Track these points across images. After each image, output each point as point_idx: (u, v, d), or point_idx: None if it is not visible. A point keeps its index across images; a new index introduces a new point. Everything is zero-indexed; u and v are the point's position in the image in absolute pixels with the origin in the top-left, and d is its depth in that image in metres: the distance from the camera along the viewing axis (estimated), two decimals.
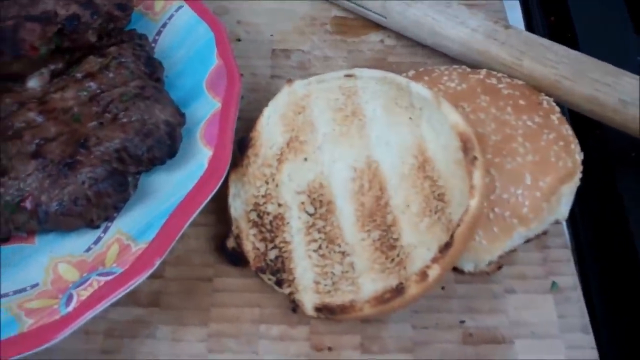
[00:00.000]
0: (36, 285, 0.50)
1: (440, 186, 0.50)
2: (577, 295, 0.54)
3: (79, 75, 0.58)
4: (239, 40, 0.70)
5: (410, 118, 0.53)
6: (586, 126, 0.63)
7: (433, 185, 0.51)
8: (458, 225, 0.48)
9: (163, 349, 0.50)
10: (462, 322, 0.52)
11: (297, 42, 0.70)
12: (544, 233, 0.56)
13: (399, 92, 0.54)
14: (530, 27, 0.78)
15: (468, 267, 0.54)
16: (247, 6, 0.73)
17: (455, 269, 0.54)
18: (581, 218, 0.62)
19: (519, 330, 0.52)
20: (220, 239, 0.55)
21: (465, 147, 0.50)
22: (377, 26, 0.72)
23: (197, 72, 0.60)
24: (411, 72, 0.62)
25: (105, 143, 0.52)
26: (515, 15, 0.78)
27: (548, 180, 0.54)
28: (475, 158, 0.49)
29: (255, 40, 0.70)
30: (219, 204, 0.56)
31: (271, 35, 0.71)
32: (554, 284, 0.54)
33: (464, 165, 0.49)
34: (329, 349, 0.51)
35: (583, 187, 0.59)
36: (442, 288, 0.54)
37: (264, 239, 0.53)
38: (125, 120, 0.53)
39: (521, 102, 0.57)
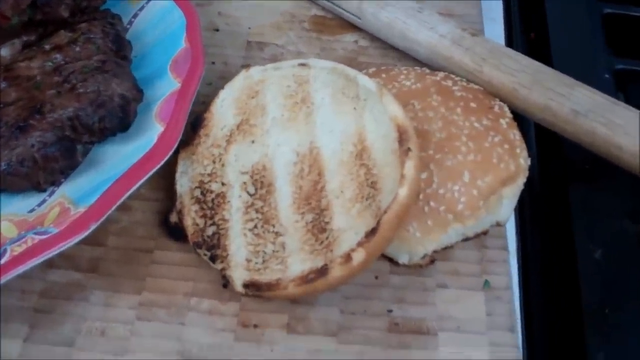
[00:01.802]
0: None
1: (374, 174, 0.51)
2: (508, 295, 0.54)
3: (47, 47, 0.60)
4: (216, 30, 0.72)
5: (354, 108, 0.55)
6: (547, 135, 0.64)
7: (368, 173, 0.52)
8: (385, 212, 0.49)
9: (94, 313, 0.52)
10: (390, 311, 0.53)
11: (273, 37, 0.72)
12: (484, 233, 0.56)
13: (347, 83, 0.56)
14: (510, 42, 0.79)
15: (402, 258, 0.54)
16: None
17: (390, 260, 0.55)
18: (530, 223, 0.62)
19: (445, 323, 0.52)
20: (166, 214, 0.57)
21: (401, 138, 0.51)
22: (354, 27, 0.73)
23: (164, 54, 0.62)
24: (371, 69, 0.63)
25: (59, 110, 0.54)
26: (497, 29, 0.79)
27: (487, 180, 0.54)
28: (409, 149, 0.50)
29: (233, 31, 0.72)
30: (169, 181, 0.57)
31: (249, 28, 0.73)
32: (486, 282, 0.55)
33: (398, 155, 0.50)
34: (255, 326, 0.52)
35: (535, 194, 0.60)
36: (376, 277, 0.55)
37: (204, 216, 0.54)
38: (81, 90, 0.55)
39: (472, 104, 0.58)
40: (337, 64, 0.57)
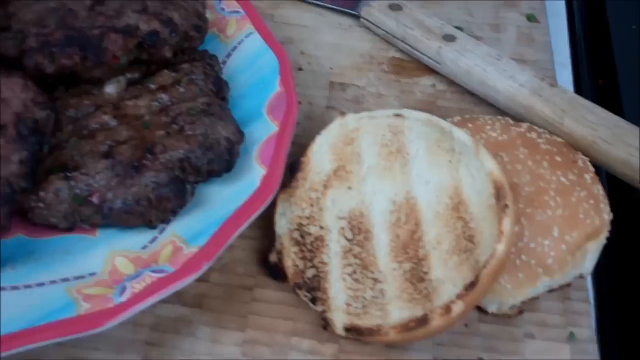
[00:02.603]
0: (94, 274, 0.54)
1: (471, 228, 0.54)
2: (593, 348, 0.56)
3: (152, 86, 0.63)
4: (300, 69, 0.75)
5: (450, 161, 0.57)
6: (621, 187, 0.66)
7: (465, 226, 0.54)
8: (484, 266, 0.51)
9: (201, 348, 0.55)
10: (480, 359, 0.55)
11: (354, 77, 0.75)
12: (568, 285, 0.59)
13: (442, 136, 0.58)
14: (578, 87, 0.81)
15: (492, 307, 0.57)
16: (310, 39, 0.78)
17: (479, 309, 0.58)
18: (606, 274, 0.65)
19: None
20: (264, 252, 0.60)
21: (498, 195, 0.54)
22: (430, 70, 0.76)
23: (259, 96, 0.65)
24: (456, 118, 0.66)
25: (170, 151, 0.57)
26: (565, 74, 0.82)
27: (575, 235, 0.57)
28: (506, 206, 0.53)
29: (315, 71, 0.75)
30: (266, 221, 0.60)
31: (330, 68, 0.76)
32: (571, 334, 0.57)
33: (495, 211, 0.53)
34: None
35: (612, 245, 0.62)
36: (465, 325, 0.57)
37: (303, 258, 0.57)
38: (190, 132, 0.58)
39: (557, 158, 0.61)
40: (432, 116, 0.59)
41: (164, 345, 0.55)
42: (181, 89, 0.62)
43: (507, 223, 0.52)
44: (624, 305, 0.63)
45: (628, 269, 0.65)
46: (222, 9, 0.72)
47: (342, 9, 0.81)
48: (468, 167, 0.56)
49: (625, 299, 0.63)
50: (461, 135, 0.57)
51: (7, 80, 0.59)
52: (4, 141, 0.55)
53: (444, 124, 0.59)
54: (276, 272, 0.58)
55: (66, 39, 0.61)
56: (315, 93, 0.73)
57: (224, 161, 0.58)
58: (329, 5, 0.81)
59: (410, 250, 0.55)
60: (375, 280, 0.55)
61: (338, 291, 0.55)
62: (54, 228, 0.57)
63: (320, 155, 0.61)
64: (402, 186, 0.58)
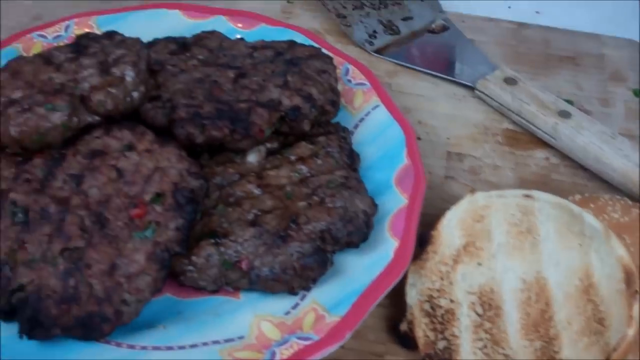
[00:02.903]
0: (242, 337, 0.58)
1: (601, 311, 0.57)
2: None
3: (292, 157, 0.67)
4: (419, 139, 0.79)
5: (580, 244, 0.60)
6: None
7: (595, 309, 0.57)
8: (614, 349, 0.54)
9: None
10: None
11: (470, 148, 0.79)
12: None
13: (571, 219, 0.61)
14: None
15: None
16: (427, 108, 0.82)
17: None
18: None
19: None
20: (393, 320, 0.63)
21: (629, 280, 0.56)
22: (544, 143, 0.79)
23: (387, 168, 0.69)
24: (577, 196, 0.68)
25: (313, 223, 0.61)
26: None
27: None
28: (636, 292, 0.56)
29: (433, 141, 0.79)
30: (395, 290, 0.63)
31: (447, 138, 0.79)
32: None
33: (625, 296, 0.56)
34: None
35: None
36: None
37: (434, 329, 0.60)
38: (330, 205, 0.62)
39: None
40: (562, 200, 0.62)
41: None
42: (319, 161, 0.67)
43: (637, 309, 0.55)
44: None
45: None
46: (349, 81, 0.77)
47: (458, 79, 0.84)
48: (598, 252, 0.59)
49: None
50: (591, 220, 0.60)
51: (163, 150, 0.64)
52: (162, 209, 0.60)
53: (574, 208, 0.62)
54: (407, 341, 0.61)
55: (216, 111, 0.66)
56: (434, 163, 0.77)
57: (362, 233, 0.62)
58: (444, 76, 0.85)
59: (541, 329, 0.58)
60: (506, 356, 0.58)
61: None
62: (201, 290, 0.61)
63: (450, 229, 0.65)
64: (533, 266, 0.61)
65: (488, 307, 0.60)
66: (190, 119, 0.66)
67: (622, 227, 0.64)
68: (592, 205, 0.67)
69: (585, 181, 0.76)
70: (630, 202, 0.68)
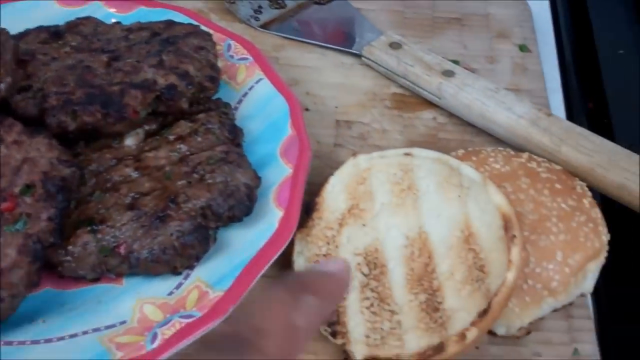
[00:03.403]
0: (124, 322, 0.57)
1: (482, 258, 0.57)
2: None
3: (171, 137, 0.66)
4: (307, 109, 0.78)
5: (459, 196, 0.61)
6: (618, 209, 0.69)
7: (476, 257, 0.58)
8: (495, 294, 0.55)
9: None
10: None
11: (358, 115, 0.79)
12: (570, 304, 0.62)
13: (450, 172, 0.62)
14: (570, 111, 0.85)
15: (501, 330, 0.60)
16: (315, 79, 0.82)
17: (489, 332, 0.61)
18: (605, 292, 0.68)
19: None
20: None
21: (506, 226, 0.57)
22: (431, 104, 0.79)
23: (271, 140, 0.68)
24: (460, 151, 0.69)
25: (192, 200, 0.60)
26: (557, 99, 0.85)
27: (577, 258, 0.60)
28: (514, 236, 0.56)
29: (321, 111, 0.79)
30: (283, 259, 0.63)
31: (336, 107, 0.79)
32: (575, 350, 0.60)
33: (504, 241, 0.57)
34: None
35: (609, 264, 0.65)
36: (477, 348, 0.60)
37: None
38: (210, 181, 0.62)
39: (557, 185, 0.64)
40: (441, 154, 0.63)
41: None
42: (199, 139, 0.66)
43: (515, 252, 0.56)
44: (624, 320, 0.66)
45: (626, 285, 0.69)
46: (231, 57, 0.76)
47: (344, 48, 0.84)
48: (477, 201, 0.60)
49: (625, 313, 0.67)
50: (469, 171, 0.61)
51: (32, 140, 0.62)
52: (33, 200, 0.58)
53: (453, 161, 0.62)
54: None
55: (87, 96, 0.64)
56: (323, 132, 0.77)
57: (244, 206, 0.61)
58: (331, 46, 0.85)
59: (425, 282, 0.58)
60: (393, 312, 0.58)
61: (357, 324, 0.58)
62: (81, 279, 0.60)
63: (334, 194, 0.64)
64: (415, 221, 0.61)
65: (374, 266, 0.60)
66: (61, 106, 0.64)
67: (504, 176, 0.65)
68: (474, 158, 0.67)
69: (472, 137, 0.77)
70: (512, 152, 0.69)
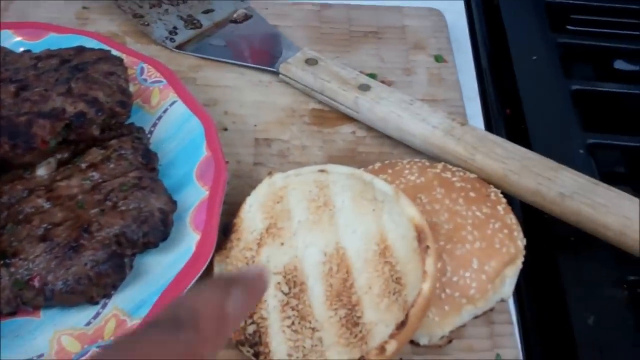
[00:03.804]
0: (41, 355, 0.56)
1: (398, 270, 0.58)
2: None
3: (83, 165, 0.65)
4: (225, 129, 0.78)
5: (373, 210, 0.61)
6: (535, 213, 0.71)
7: (392, 269, 0.58)
8: (412, 305, 0.55)
9: None
10: None
11: (278, 132, 0.79)
12: (491, 310, 0.63)
13: (364, 187, 0.62)
14: (487, 118, 0.87)
15: (423, 340, 0.61)
16: (234, 98, 0.82)
17: (411, 342, 0.61)
18: (526, 295, 0.69)
19: None
20: None
21: (420, 237, 0.58)
22: (350, 119, 0.80)
23: (187, 163, 0.68)
24: (377, 165, 0.70)
25: (106, 229, 0.59)
26: (475, 107, 0.87)
27: (493, 265, 0.61)
28: (428, 247, 0.57)
29: (240, 130, 0.79)
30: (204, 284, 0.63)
31: (255, 125, 0.79)
32: (497, 355, 0.61)
33: (418, 252, 0.57)
34: None
35: (529, 268, 0.67)
36: (400, 359, 0.61)
37: None
38: (124, 208, 0.61)
39: (472, 194, 0.65)
40: (355, 170, 0.63)
41: None
42: (111, 165, 0.65)
43: (430, 263, 0.56)
44: (545, 322, 0.68)
45: (545, 287, 0.70)
46: (145, 80, 0.75)
47: (262, 66, 0.84)
48: (391, 214, 0.60)
49: (545, 314, 0.68)
50: (382, 185, 0.61)
51: None
52: None
53: (366, 176, 0.63)
54: None
55: None
56: (242, 151, 0.76)
57: (159, 232, 0.61)
58: (249, 64, 0.85)
59: (344, 297, 0.59)
60: (314, 329, 0.58)
61: (279, 343, 0.58)
62: None
63: (252, 214, 0.64)
64: (332, 237, 0.62)
65: (293, 284, 0.60)
66: None
67: (419, 188, 0.66)
68: (389, 171, 0.68)
69: (391, 149, 0.78)
70: (427, 163, 0.70)
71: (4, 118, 0.64)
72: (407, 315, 0.55)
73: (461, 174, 0.68)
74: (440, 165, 0.69)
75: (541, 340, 0.67)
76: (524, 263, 0.65)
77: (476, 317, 0.62)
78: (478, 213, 0.64)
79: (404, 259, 0.58)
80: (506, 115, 0.87)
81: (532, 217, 0.71)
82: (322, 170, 0.64)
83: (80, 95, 0.66)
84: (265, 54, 0.86)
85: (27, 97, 0.67)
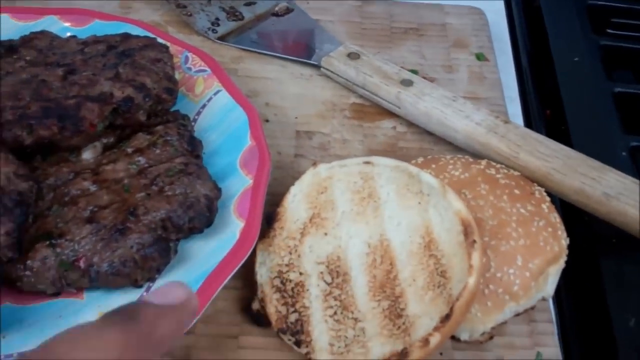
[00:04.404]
0: None
1: (443, 264, 0.58)
2: None
3: (129, 150, 0.65)
4: (267, 121, 0.78)
5: (419, 203, 0.61)
6: (575, 214, 0.71)
7: (437, 262, 0.58)
8: (457, 299, 0.55)
9: None
10: None
11: (318, 125, 0.79)
12: (532, 308, 0.62)
13: (410, 180, 0.62)
14: (528, 119, 0.86)
15: (464, 335, 0.60)
16: (275, 90, 0.82)
17: (452, 337, 0.61)
18: (566, 295, 0.69)
19: None
20: (246, 301, 0.62)
21: (466, 231, 0.57)
22: (391, 113, 0.80)
23: (231, 152, 0.68)
24: (420, 159, 0.70)
25: (152, 212, 0.60)
26: (515, 108, 0.87)
27: (537, 262, 0.61)
28: (474, 241, 0.57)
29: (281, 122, 0.79)
30: (246, 270, 0.63)
31: (296, 117, 0.79)
32: (538, 354, 0.61)
33: (464, 246, 0.57)
34: None
35: (569, 268, 0.66)
36: (441, 354, 0.61)
37: (285, 303, 0.60)
38: (170, 193, 0.61)
39: (516, 191, 0.65)
40: (400, 162, 0.63)
41: None
42: (157, 151, 0.65)
43: (476, 257, 0.56)
44: (585, 322, 0.67)
45: (585, 288, 0.70)
46: (189, 69, 0.76)
47: (303, 59, 0.85)
48: (436, 208, 0.60)
49: (585, 315, 0.68)
50: (428, 178, 0.61)
51: None
52: None
53: (412, 169, 0.62)
54: (260, 319, 0.61)
55: (43, 110, 0.63)
56: (283, 143, 0.77)
57: (204, 218, 0.61)
58: (290, 57, 0.85)
59: (387, 289, 0.58)
60: (356, 319, 0.58)
61: (321, 333, 0.58)
62: (41, 294, 0.59)
63: (296, 204, 0.64)
64: (376, 229, 0.61)
65: (336, 274, 0.60)
66: (17, 120, 0.63)
67: (463, 183, 0.66)
68: (433, 166, 0.68)
69: (432, 145, 0.77)
70: (471, 159, 0.69)
71: (53, 100, 0.65)
72: (451, 309, 0.55)
73: (505, 171, 0.68)
74: (484, 162, 0.68)
75: (580, 341, 0.67)
76: (565, 263, 0.64)
77: (517, 314, 0.62)
78: (522, 210, 0.64)
79: (450, 253, 0.58)
80: (546, 116, 0.87)
81: (573, 217, 0.71)
82: (367, 162, 0.64)
83: (127, 81, 0.67)
84: (307, 47, 0.87)
85: (75, 80, 0.67)
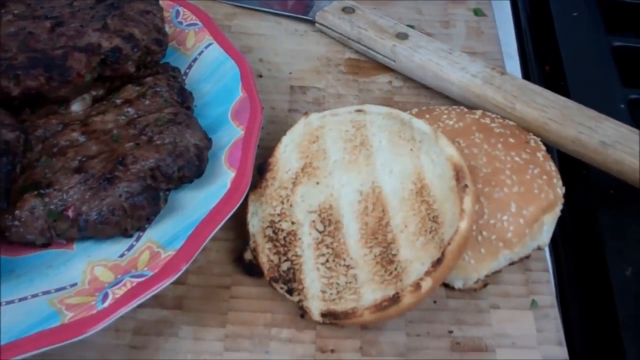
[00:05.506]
0: (75, 284, 0.56)
1: (434, 209, 0.57)
2: (554, 313, 0.60)
3: (118, 101, 0.65)
4: (260, 76, 0.77)
5: (411, 149, 0.60)
6: (574, 165, 0.70)
7: (429, 208, 0.57)
8: (449, 243, 0.54)
9: (185, 346, 0.57)
10: (451, 332, 0.58)
11: (313, 80, 0.78)
12: (527, 257, 0.62)
13: (402, 127, 0.61)
14: (526, 75, 0.85)
15: (458, 283, 0.60)
16: (269, 46, 0.81)
17: (446, 285, 0.60)
18: (563, 245, 0.68)
19: (500, 340, 0.58)
20: (239, 252, 0.62)
21: (458, 176, 0.57)
22: (386, 68, 0.79)
23: (223, 103, 0.67)
24: (414, 110, 0.69)
25: (141, 161, 0.59)
26: (514, 64, 0.85)
27: (531, 209, 0.60)
28: (466, 186, 0.56)
29: (275, 77, 0.78)
30: (238, 222, 0.62)
31: (290, 73, 0.78)
32: (533, 302, 0.60)
33: (456, 191, 0.56)
34: (332, 351, 0.57)
35: (567, 218, 0.65)
36: (434, 302, 0.60)
37: (278, 253, 0.59)
38: (159, 142, 0.60)
39: (511, 140, 0.64)
40: (392, 109, 0.62)
41: (147, 347, 0.57)
42: (146, 102, 0.64)
43: (467, 202, 0.55)
44: (581, 271, 0.66)
45: (582, 238, 0.69)
46: (180, 23, 0.75)
47: (298, 15, 0.83)
48: (428, 154, 0.59)
49: (581, 265, 0.67)
50: (420, 124, 0.60)
51: None
52: None
53: (404, 115, 0.62)
54: (252, 269, 0.60)
55: (30, 61, 0.63)
56: (277, 98, 0.76)
57: (194, 167, 0.60)
58: (285, 13, 0.84)
59: (379, 235, 0.58)
60: (348, 266, 0.57)
61: (313, 280, 0.57)
62: (31, 245, 0.59)
63: (287, 154, 0.64)
64: (368, 177, 0.61)
65: (328, 222, 0.60)
66: (3, 71, 0.62)
67: (457, 132, 0.65)
68: (427, 116, 0.67)
69: (428, 99, 0.76)
70: (466, 110, 0.68)
71: (40, 51, 0.64)
72: (443, 253, 0.54)
73: (500, 120, 0.67)
74: (479, 112, 0.67)
75: (577, 290, 0.66)
76: (561, 212, 0.64)
77: (512, 263, 0.61)
78: (517, 158, 0.63)
79: (441, 198, 0.57)
80: (545, 72, 0.86)
81: (571, 168, 0.70)
82: (359, 110, 0.63)
83: (116, 32, 0.66)
84: (301, 3, 0.85)
85: (63, 32, 0.66)
